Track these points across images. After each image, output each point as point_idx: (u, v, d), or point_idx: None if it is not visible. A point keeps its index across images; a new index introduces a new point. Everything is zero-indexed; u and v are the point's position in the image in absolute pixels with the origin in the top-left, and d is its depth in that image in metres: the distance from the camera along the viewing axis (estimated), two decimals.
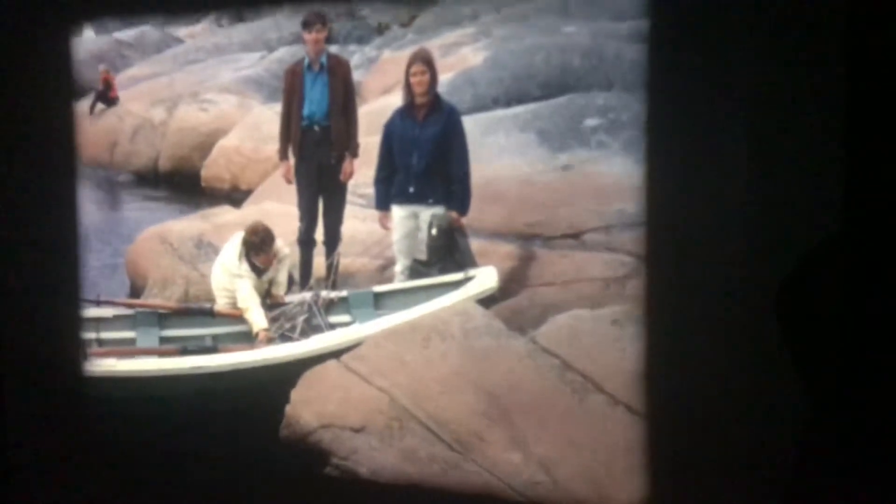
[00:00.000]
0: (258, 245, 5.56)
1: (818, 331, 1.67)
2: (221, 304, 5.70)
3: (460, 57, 7.16)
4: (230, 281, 5.66)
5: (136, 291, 6.53)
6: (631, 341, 3.97)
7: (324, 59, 6.17)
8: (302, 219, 6.09)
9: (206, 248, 6.51)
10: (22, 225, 2.82)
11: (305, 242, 6.07)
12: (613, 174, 5.53)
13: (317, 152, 6.09)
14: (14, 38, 2.67)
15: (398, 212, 5.58)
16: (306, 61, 6.17)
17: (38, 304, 2.88)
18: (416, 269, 5.42)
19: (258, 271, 5.60)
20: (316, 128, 6.13)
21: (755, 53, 1.77)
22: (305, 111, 6.16)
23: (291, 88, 6.23)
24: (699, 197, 1.86)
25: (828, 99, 1.70)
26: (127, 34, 12.51)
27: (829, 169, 1.69)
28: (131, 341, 5.65)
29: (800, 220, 1.76)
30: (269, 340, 5.42)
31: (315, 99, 6.18)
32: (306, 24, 6.19)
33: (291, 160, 6.18)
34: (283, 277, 5.73)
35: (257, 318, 5.50)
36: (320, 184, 6.08)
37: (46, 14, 2.68)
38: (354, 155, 6.13)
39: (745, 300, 1.81)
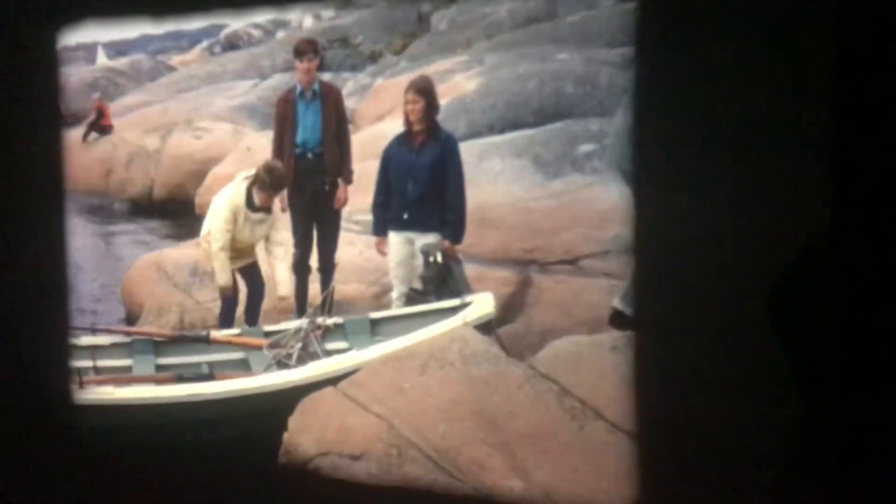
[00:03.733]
0: (267, 184, 5.52)
1: (811, 330, 1.66)
2: (213, 245, 5.62)
3: (454, 84, 7.13)
4: (221, 212, 5.61)
5: (131, 319, 6.46)
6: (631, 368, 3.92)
7: (316, 87, 6.10)
8: (297, 246, 6.01)
9: (201, 276, 6.45)
10: (8, 248, 2.74)
11: (301, 269, 5.99)
12: (609, 199, 5.49)
13: (311, 180, 6.01)
14: None
15: (394, 238, 5.51)
16: (298, 89, 6.10)
17: (27, 332, 2.80)
18: (413, 298, 5.36)
19: (253, 208, 5.53)
20: (309, 155, 6.05)
21: (744, 54, 1.74)
22: (299, 139, 6.08)
23: (284, 116, 6.15)
24: (688, 199, 1.81)
25: (817, 99, 1.68)
26: (120, 62, 12.44)
27: (819, 168, 1.68)
28: (128, 369, 5.57)
29: (789, 220, 1.72)
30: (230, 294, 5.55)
31: (308, 126, 6.10)
32: (298, 53, 6.12)
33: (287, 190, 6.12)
34: (284, 277, 5.63)
35: (221, 274, 5.54)
36: (315, 211, 6.01)
37: (30, 14, 2.60)
38: (348, 182, 6.07)
39: (736, 300, 1.78)
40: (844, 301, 1.63)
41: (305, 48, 6.12)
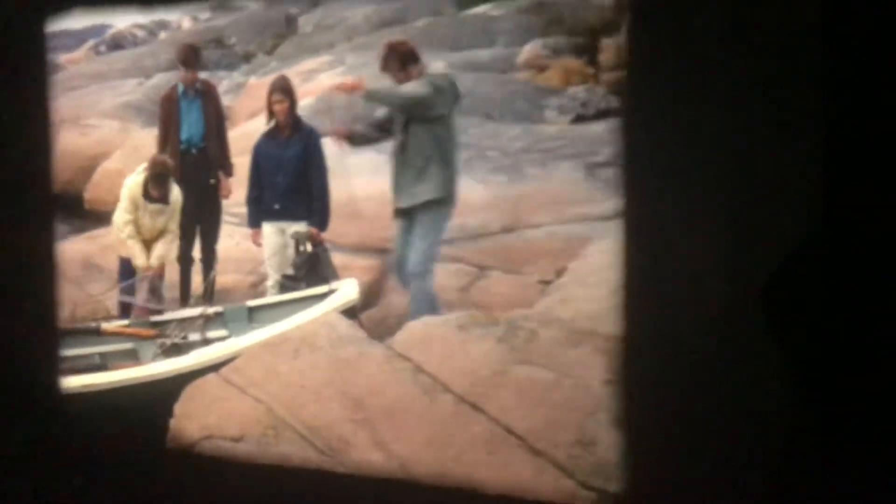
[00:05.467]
0: (152, 177, 5.63)
1: (805, 326, 1.64)
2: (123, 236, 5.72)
3: (319, 83, 7.23)
4: (122, 201, 5.74)
5: None
6: (475, 343, 4.11)
7: (198, 85, 6.15)
8: (182, 238, 6.04)
9: (91, 269, 6.41)
10: None
11: (185, 260, 6.04)
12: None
13: (196, 174, 6.07)
14: None
15: (267, 228, 5.64)
16: (181, 88, 6.13)
17: (13, 324, 2.77)
18: (286, 284, 5.47)
19: (150, 199, 5.66)
20: (194, 150, 6.10)
21: (735, 54, 1.74)
22: (183, 135, 6.12)
23: (168, 114, 6.18)
24: (680, 198, 1.80)
25: (808, 101, 1.68)
26: None
27: (811, 168, 1.68)
28: None
29: (782, 220, 1.72)
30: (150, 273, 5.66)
31: (192, 123, 6.14)
32: (186, 64, 6.15)
33: None
34: (160, 252, 5.75)
35: (136, 259, 5.68)
36: (199, 204, 6.05)
37: (18, 2, 2.54)
38: (229, 174, 6.13)
39: (731, 298, 1.77)
40: (837, 297, 1.61)
41: (191, 58, 6.19)
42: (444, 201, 4.94)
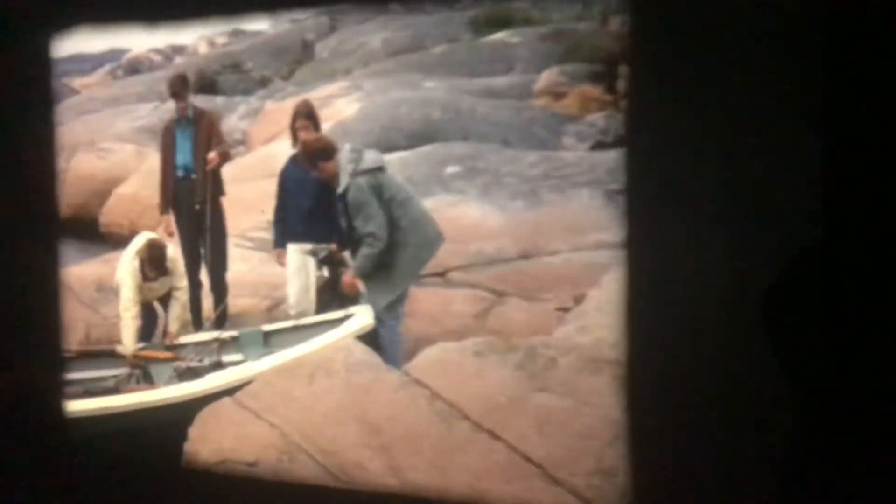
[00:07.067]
0: (148, 260, 5.51)
1: (804, 335, 1.64)
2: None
3: (336, 109, 7.18)
4: (121, 275, 5.57)
5: None
6: (492, 370, 4.05)
7: (190, 113, 6.12)
8: (187, 264, 6.01)
9: (106, 292, 6.36)
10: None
11: (192, 285, 5.97)
12: (472, 217, 5.65)
13: (190, 200, 6.03)
14: None
15: (291, 248, 5.60)
16: (176, 117, 6.13)
17: (20, 348, 2.72)
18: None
19: (147, 278, 5.53)
20: (192, 176, 6.07)
21: (734, 65, 1.75)
22: (179, 162, 6.10)
23: (166, 143, 6.18)
24: (680, 206, 1.81)
25: (807, 109, 1.69)
26: None
27: (810, 176, 1.69)
28: None
29: (782, 227, 1.73)
30: (135, 366, 5.42)
31: (186, 150, 6.12)
32: (174, 95, 6.14)
33: (173, 214, 6.10)
34: (175, 314, 5.63)
35: (126, 338, 5.43)
36: (199, 229, 5.99)
37: (23, 21, 2.50)
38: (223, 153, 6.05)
39: (730, 307, 1.78)
40: (836, 306, 1.60)
41: (180, 89, 6.19)
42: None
